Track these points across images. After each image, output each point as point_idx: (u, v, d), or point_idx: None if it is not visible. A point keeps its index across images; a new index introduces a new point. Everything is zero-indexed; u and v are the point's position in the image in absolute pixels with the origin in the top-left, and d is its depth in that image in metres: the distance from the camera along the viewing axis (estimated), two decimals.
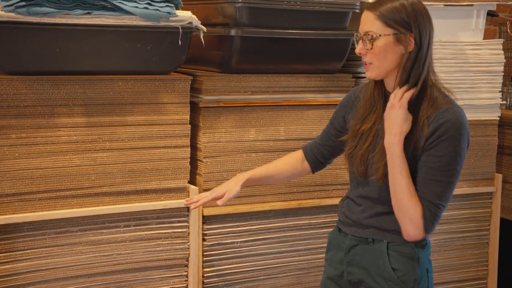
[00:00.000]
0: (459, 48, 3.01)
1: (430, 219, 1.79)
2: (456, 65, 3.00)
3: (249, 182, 2.08)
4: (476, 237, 3.24)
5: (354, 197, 1.95)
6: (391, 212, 1.85)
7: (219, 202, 1.99)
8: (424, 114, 1.80)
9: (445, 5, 2.93)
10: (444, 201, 1.79)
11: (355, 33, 1.86)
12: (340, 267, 1.97)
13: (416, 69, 1.81)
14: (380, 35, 1.78)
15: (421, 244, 1.88)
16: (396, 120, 1.79)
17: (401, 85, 1.82)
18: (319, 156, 2.10)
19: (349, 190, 2.00)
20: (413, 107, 1.81)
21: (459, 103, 2.96)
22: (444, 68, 2.97)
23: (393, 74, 1.84)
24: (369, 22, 1.80)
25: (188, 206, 2.06)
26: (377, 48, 1.79)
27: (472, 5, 2.99)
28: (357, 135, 1.91)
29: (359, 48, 1.83)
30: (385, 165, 1.82)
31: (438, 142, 1.77)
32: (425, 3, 2.83)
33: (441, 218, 1.81)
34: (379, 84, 1.90)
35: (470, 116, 3.06)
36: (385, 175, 1.82)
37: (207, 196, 2.03)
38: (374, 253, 1.88)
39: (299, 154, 2.15)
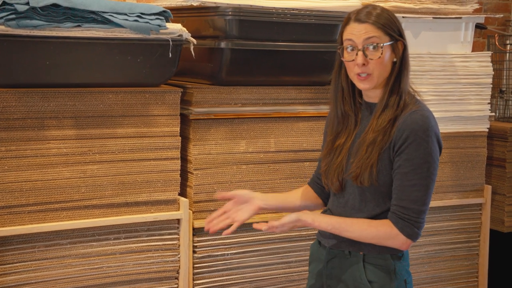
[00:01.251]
0: (448, 60, 3.03)
1: (407, 225, 1.79)
2: (445, 77, 3.03)
3: (260, 211, 2.02)
4: (466, 249, 3.25)
5: (333, 208, 1.95)
6: None
7: (227, 232, 1.94)
8: (394, 116, 1.82)
9: (434, 17, 2.95)
10: (422, 205, 1.79)
11: (338, 45, 1.86)
12: (320, 280, 1.97)
13: (405, 77, 1.83)
14: (383, 44, 1.80)
15: (397, 255, 1.88)
16: (288, 228, 1.84)
17: (398, 93, 1.82)
18: (323, 186, 2.04)
19: (329, 202, 2.00)
20: (390, 113, 1.82)
21: (447, 114, 3.04)
22: (433, 80, 3.00)
23: (381, 83, 1.86)
24: (372, 32, 1.79)
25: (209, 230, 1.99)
26: (383, 57, 1.80)
27: (460, 17, 3.02)
28: (332, 150, 1.93)
29: (361, 59, 1.80)
30: (365, 166, 1.81)
31: (407, 146, 1.77)
32: (413, 15, 2.91)
33: (424, 220, 1.81)
34: (347, 97, 1.91)
35: (459, 127, 3.10)
36: (361, 177, 1.82)
37: (224, 221, 1.97)
38: (351, 266, 1.89)
39: (310, 190, 2.10)
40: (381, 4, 2.35)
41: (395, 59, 1.83)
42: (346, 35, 1.84)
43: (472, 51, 3.13)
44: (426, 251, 3.17)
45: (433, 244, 3.17)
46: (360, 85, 1.85)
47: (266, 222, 1.85)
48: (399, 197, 1.80)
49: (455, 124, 3.10)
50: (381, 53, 1.80)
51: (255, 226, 1.87)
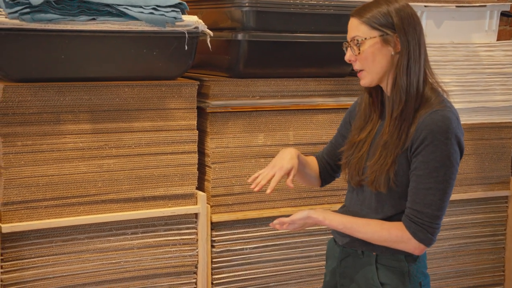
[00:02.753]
0: (472, 50, 2.95)
1: (420, 229, 1.73)
2: (469, 67, 2.95)
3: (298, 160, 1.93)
4: (491, 242, 3.18)
5: (349, 205, 1.91)
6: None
7: (290, 184, 1.85)
8: (418, 115, 1.76)
9: (457, 6, 2.88)
10: (436, 210, 1.73)
11: (344, 42, 1.83)
12: (334, 278, 1.93)
13: (412, 73, 1.77)
14: (365, 39, 1.76)
15: (412, 257, 1.82)
16: (298, 225, 1.82)
17: (397, 88, 1.77)
18: (328, 167, 2.05)
19: (346, 198, 1.96)
20: (409, 113, 1.77)
21: (471, 105, 2.97)
22: (456, 70, 2.92)
23: (386, 78, 1.81)
24: (355, 28, 1.79)
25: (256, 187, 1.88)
26: (364, 53, 1.77)
27: (485, 5, 2.94)
28: (354, 144, 1.88)
29: (348, 55, 1.81)
30: (381, 172, 1.77)
31: (423, 147, 1.72)
32: (436, 4, 2.83)
33: (438, 226, 1.75)
34: (374, 92, 1.87)
35: (483, 118, 3.03)
36: (376, 182, 1.78)
37: (275, 177, 1.85)
38: (364, 266, 1.84)
39: (316, 164, 2.06)
40: None
41: (393, 53, 1.77)
42: None
43: (498, 39, 3.05)
44: (450, 244, 3.11)
45: (458, 238, 3.11)
46: (360, 81, 1.83)
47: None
48: (414, 200, 1.74)
49: (480, 115, 3.02)
50: (359, 49, 1.76)
51: (271, 224, 1.86)
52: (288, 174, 1.86)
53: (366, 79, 1.81)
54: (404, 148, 1.76)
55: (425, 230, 1.73)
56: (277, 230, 1.85)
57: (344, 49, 1.83)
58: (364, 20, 1.77)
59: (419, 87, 1.78)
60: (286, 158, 1.89)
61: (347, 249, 1.89)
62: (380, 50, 1.77)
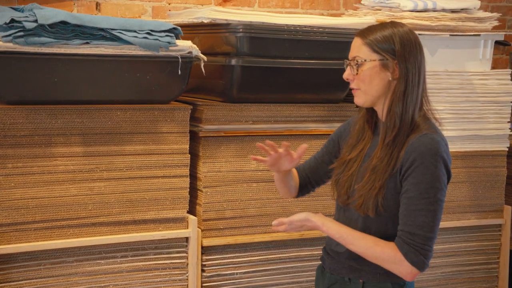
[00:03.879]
0: (466, 78, 2.96)
1: (412, 251, 1.72)
2: (463, 95, 2.96)
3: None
4: (485, 270, 3.17)
5: (339, 221, 1.90)
6: None
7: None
8: (408, 140, 1.77)
9: (451, 35, 2.89)
10: (429, 232, 1.72)
11: (345, 60, 1.84)
12: None
13: (409, 101, 1.78)
14: (365, 60, 1.78)
15: (399, 284, 1.82)
16: (295, 226, 1.84)
17: (392, 114, 1.78)
18: (307, 180, 2.07)
19: (335, 213, 1.95)
20: (402, 140, 1.77)
21: (465, 133, 2.97)
22: (450, 98, 2.93)
23: (381, 101, 1.82)
24: (357, 48, 1.81)
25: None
26: (362, 74, 1.79)
27: (479, 35, 2.95)
28: (344, 162, 1.89)
29: (346, 74, 1.84)
30: (369, 196, 1.78)
31: (413, 169, 1.72)
32: (430, 32, 2.85)
33: (431, 249, 1.74)
34: (370, 112, 1.88)
35: (477, 146, 3.03)
36: (365, 206, 1.78)
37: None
38: None
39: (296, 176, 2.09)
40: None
41: (390, 78, 1.78)
42: None
43: (494, 68, 3.06)
44: (443, 272, 3.09)
45: (450, 266, 3.10)
46: (354, 99, 1.85)
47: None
48: (405, 222, 1.74)
49: (473, 143, 3.02)
50: (357, 70, 1.79)
51: (273, 228, 1.87)
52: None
53: (360, 99, 1.83)
54: (393, 172, 1.76)
55: (417, 252, 1.72)
56: (278, 231, 1.85)
57: (345, 66, 1.85)
58: (366, 42, 1.79)
59: (414, 114, 1.79)
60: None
61: (335, 276, 1.89)
62: (378, 74, 1.78)
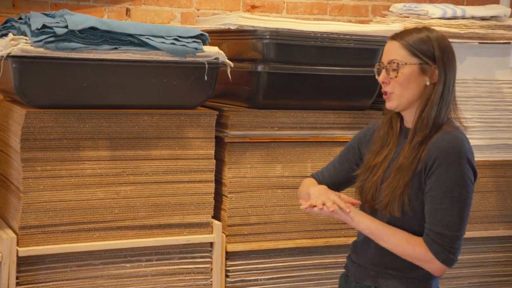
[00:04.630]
0: (495, 86, 2.93)
1: (441, 250, 1.72)
2: (492, 103, 2.93)
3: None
4: None
5: (363, 236, 1.90)
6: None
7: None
8: (431, 139, 1.77)
9: (480, 42, 2.86)
10: (456, 230, 1.72)
11: (376, 64, 1.84)
12: None
13: (443, 106, 1.78)
14: (405, 64, 1.77)
15: None
16: (325, 214, 1.81)
17: (425, 117, 1.77)
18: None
19: None
20: (428, 141, 1.77)
21: (494, 142, 2.94)
22: (478, 106, 2.91)
23: (413, 107, 1.81)
24: (395, 51, 1.80)
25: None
26: (401, 77, 1.78)
27: (509, 43, 2.92)
28: (369, 168, 1.89)
29: (382, 77, 1.82)
30: (394, 196, 1.77)
31: (436, 167, 1.72)
32: (459, 40, 2.83)
33: (459, 246, 1.74)
34: (395, 118, 1.87)
35: (506, 156, 2.99)
36: (390, 206, 1.78)
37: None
38: None
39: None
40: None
41: (428, 83, 1.77)
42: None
43: None
44: (470, 283, 3.05)
45: (478, 276, 3.05)
46: (386, 103, 1.83)
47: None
48: (432, 222, 1.74)
49: (502, 152, 2.98)
50: (397, 73, 1.77)
51: (304, 209, 1.83)
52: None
53: (393, 102, 1.82)
54: (417, 170, 1.75)
55: (446, 251, 1.73)
56: (305, 210, 1.83)
57: (375, 70, 1.84)
58: (404, 44, 1.78)
59: (444, 119, 1.79)
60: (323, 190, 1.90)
61: (360, 284, 1.87)
62: (416, 78, 1.78)
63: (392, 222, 1.80)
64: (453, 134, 1.74)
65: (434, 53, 1.77)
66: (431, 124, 1.77)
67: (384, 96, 1.84)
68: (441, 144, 1.72)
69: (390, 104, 1.83)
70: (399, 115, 1.87)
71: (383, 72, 1.81)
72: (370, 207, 1.87)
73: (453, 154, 1.71)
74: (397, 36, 1.81)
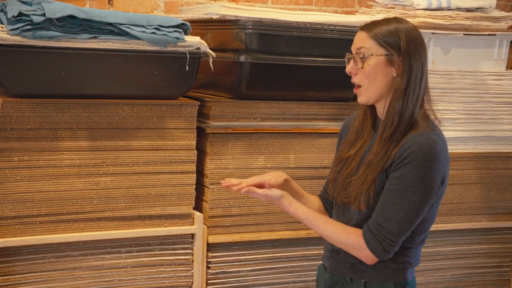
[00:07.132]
0: (480, 78, 2.91)
1: (373, 239, 1.72)
2: (476, 95, 2.91)
3: (287, 184, 1.93)
4: (496, 273, 3.13)
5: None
6: None
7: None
8: (404, 138, 1.75)
9: (465, 34, 2.84)
10: (396, 227, 1.70)
11: (347, 53, 1.81)
12: None
13: (410, 98, 1.75)
14: (372, 54, 1.75)
15: (401, 283, 1.80)
16: (267, 200, 1.82)
17: (391, 111, 1.75)
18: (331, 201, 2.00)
19: (333, 213, 1.93)
20: (399, 136, 1.75)
21: (478, 134, 2.93)
22: (463, 98, 2.89)
23: (383, 99, 1.80)
24: (362, 41, 1.78)
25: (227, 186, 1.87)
26: (368, 68, 1.76)
27: (494, 34, 2.90)
28: (342, 160, 1.87)
29: (349, 67, 1.81)
30: (361, 190, 1.76)
31: (402, 165, 1.70)
32: (444, 32, 2.81)
33: (393, 243, 1.72)
34: (369, 110, 1.86)
35: (490, 148, 2.98)
36: (357, 200, 1.77)
37: (247, 182, 1.85)
38: None
39: (321, 203, 2.03)
40: (410, 20, 2.25)
41: (394, 74, 1.76)
42: None
43: (509, 68, 3.00)
44: (453, 274, 3.05)
45: (461, 268, 3.06)
46: (358, 98, 1.82)
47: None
48: (377, 212, 1.73)
49: (486, 144, 2.98)
50: (363, 64, 1.75)
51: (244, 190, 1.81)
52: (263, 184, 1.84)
53: (363, 97, 1.81)
54: (385, 167, 1.74)
55: (378, 242, 1.72)
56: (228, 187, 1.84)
57: (346, 60, 1.83)
58: (372, 35, 1.76)
59: (414, 112, 1.77)
60: (272, 173, 1.89)
61: (336, 275, 1.87)
62: (383, 69, 1.76)
63: (362, 217, 1.79)
64: (426, 137, 1.71)
65: (400, 45, 1.75)
66: (397, 118, 1.75)
67: (354, 90, 1.82)
68: (413, 145, 1.70)
69: (360, 99, 1.82)
70: (373, 107, 1.85)
71: (351, 62, 1.80)
72: (342, 201, 1.85)
73: (420, 158, 1.68)
74: (366, 27, 1.80)
